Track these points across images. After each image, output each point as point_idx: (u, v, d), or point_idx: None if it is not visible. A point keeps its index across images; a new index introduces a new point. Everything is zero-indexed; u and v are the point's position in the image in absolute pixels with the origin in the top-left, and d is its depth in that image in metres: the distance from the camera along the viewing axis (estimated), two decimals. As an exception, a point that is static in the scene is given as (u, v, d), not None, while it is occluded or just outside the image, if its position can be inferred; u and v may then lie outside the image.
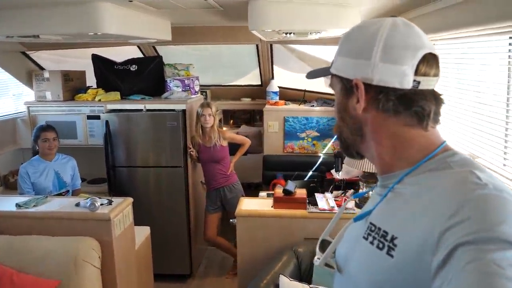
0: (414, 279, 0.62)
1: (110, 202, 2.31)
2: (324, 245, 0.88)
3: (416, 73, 0.70)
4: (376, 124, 0.75)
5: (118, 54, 3.63)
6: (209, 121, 3.21)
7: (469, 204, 0.59)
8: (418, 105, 0.71)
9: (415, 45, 0.71)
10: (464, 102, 2.12)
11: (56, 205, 2.31)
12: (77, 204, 2.27)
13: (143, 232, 2.76)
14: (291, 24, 2.14)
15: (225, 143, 3.35)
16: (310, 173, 3.85)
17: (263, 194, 3.15)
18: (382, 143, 0.76)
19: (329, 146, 3.95)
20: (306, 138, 3.97)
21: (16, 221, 2.24)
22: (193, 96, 3.57)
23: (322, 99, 4.11)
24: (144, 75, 3.59)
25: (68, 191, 3.06)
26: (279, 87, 4.24)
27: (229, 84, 4.70)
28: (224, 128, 5.53)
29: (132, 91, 3.54)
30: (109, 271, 2.22)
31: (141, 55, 3.91)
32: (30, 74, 3.50)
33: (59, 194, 2.94)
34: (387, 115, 0.73)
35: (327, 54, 3.80)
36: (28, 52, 3.45)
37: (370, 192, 0.95)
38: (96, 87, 3.61)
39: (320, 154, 3.96)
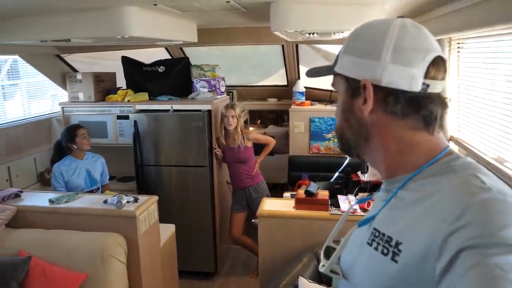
0: (419, 284, 0.62)
1: (136, 200, 2.38)
2: (329, 251, 0.88)
3: (426, 76, 0.69)
4: (382, 127, 0.74)
5: (147, 56, 3.73)
6: (232, 122, 3.24)
7: (473, 208, 0.59)
8: (427, 109, 0.71)
9: (426, 48, 0.70)
10: (494, 104, 2.05)
11: (85, 201, 2.41)
12: (105, 201, 2.36)
13: (168, 230, 2.83)
14: (314, 25, 2.13)
15: (249, 144, 3.37)
16: (336, 174, 3.81)
17: (287, 195, 3.15)
18: (388, 146, 0.75)
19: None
20: (332, 138, 3.94)
21: (49, 216, 2.35)
22: (218, 96, 3.62)
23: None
24: (171, 76, 3.68)
25: (98, 188, 3.18)
26: (305, 87, 4.23)
27: (255, 84, 4.73)
28: (251, 128, 5.58)
29: (160, 92, 3.63)
30: (135, 266, 2.29)
31: (169, 57, 3.99)
32: (64, 76, 3.66)
33: (90, 191, 3.06)
34: (394, 118, 0.72)
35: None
36: (62, 55, 3.61)
37: (374, 197, 0.93)
38: (125, 88, 3.73)
39: (347, 156, 3.91)
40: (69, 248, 2.17)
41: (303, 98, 4.20)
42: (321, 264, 0.86)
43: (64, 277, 2.05)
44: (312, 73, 0.88)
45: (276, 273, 2.15)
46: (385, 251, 0.69)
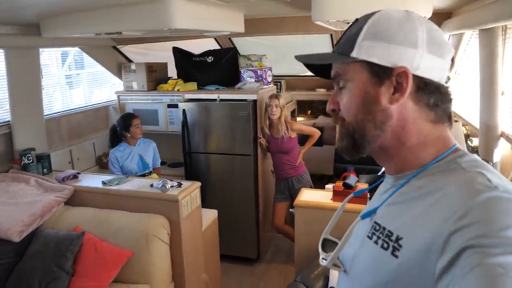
0: (418, 280, 0.61)
1: (179, 185, 2.51)
2: (325, 244, 0.88)
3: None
4: (408, 118, 0.70)
5: (197, 46, 3.84)
6: (275, 112, 3.26)
7: (477, 207, 0.58)
8: (448, 102, 0.71)
9: (448, 42, 0.72)
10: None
11: (134, 184, 2.58)
12: (151, 185, 2.51)
13: (211, 215, 2.94)
14: (355, 14, 2.08)
15: (293, 135, 3.38)
16: (384, 168, 3.70)
17: (329, 186, 3.13)
18: (406, 140, 0.71)
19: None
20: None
21: (101, 197, 2.55)
22: (265, 86, 3.66)
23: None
24: (219, 66, 3.77)
25: (150, 171, 3.38)
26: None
27: (304, 74, 4.69)
28: (300, 119, 5.56)
29: (208, 82, 3.74)
30: (177, 248, 2.42)
31: (218, 47, 4.08)
32: (120, 66, 3.89)
33: (143, 175, 3.26)
34: (421, 108, 0.70)
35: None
36: (118, 46, 3.83)
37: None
38: (176, 77, 3.88)
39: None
40: (118, 226, 2.35)
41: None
42: (320, 257, 0.86)
43: (112, 253, 2.23)
44: (313, 59, 0.79)
45: (311, 262, 2.17)
46: (385, 245, 0.68)
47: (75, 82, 4.16)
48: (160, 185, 2.43)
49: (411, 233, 0.65)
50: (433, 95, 0.69)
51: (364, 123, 0.72)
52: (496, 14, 1.76)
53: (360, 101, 0.72)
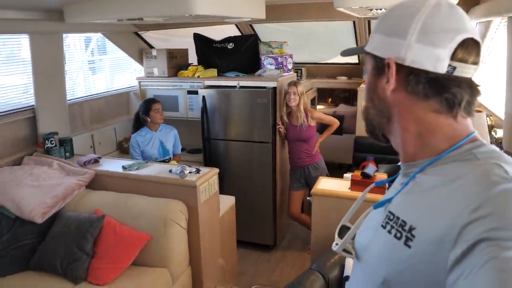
0: (430, 270, 0.61)
1: (198, 171, 2.53)
2: (343, 231, 0.89)
3: (453, 58, 0.67)
4: (404, 107, 0.73)
5: (218, 33, 3.82)
6: (293, 99, 3.23)
7: (493, 199, 0.57)
8: (450, 92, 0.68)
9: (455, 29, 0.67)
10: None
11: (153, 170, 2.62)
12: (170, 171, 2.54)
13: (228, 201, 2.97)
14: (377, 0, 2.03)
15: (313, 123, 3.35)
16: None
17: (347, 175, 3.10)
18: (408, 128, 0.74)
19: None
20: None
21: (121, 181, 2.60)
22: (285, 74, 3.62)
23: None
24: (239, 53, 3.74)
25: (170, 158, 3.42)
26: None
27: (325, 62, 4.62)
28: (320, 107, 5.50)
29: (228, 68, 3.72)
30: (194, 233, 2.46)
31: (238, 33, 4.05)
32: (141, 53, 3.92)
33: (163, 161, 3.30)
34: (416, 98, 0.71)
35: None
36: (140, 32, 3.85)
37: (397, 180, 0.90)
38: (196, 64, 3.88)
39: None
40: (137, 211, 2.39)
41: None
42: (334, 243, 0.87)
43: (131, 236, 2.28)
44: (347, 53, 0.88)
45: (327, 251, 2.16)
46: (398, 235, 0.68)
47: (97, 68, 4.22)
48: (179, 171, 2.46)
49: (425, 223, 0.64)
50: (420, 84, 0.69)
51: (370, 110, 0.79)
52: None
53: (367, 89, 0.80)
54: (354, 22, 3.74)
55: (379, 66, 0.74)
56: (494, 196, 0.57)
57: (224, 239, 2.84)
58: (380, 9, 2.31)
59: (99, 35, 3.88)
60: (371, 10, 2.42)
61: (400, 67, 0.70)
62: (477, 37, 0.68)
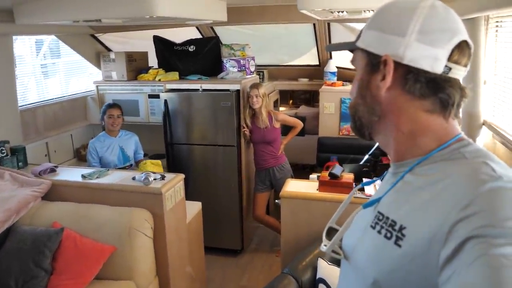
0: (421, 269, 0.61)
1: (162, 177, 2.45)
2: (331, 232, 0.88)
3: (449, 59, 0.68)
4: (398, 106, 0.73)
5: (178, 35, 3.75)
6: (256, 101, 3.23)
7: (482, 197, 0.58)
8: (445, 92, 0.69)
9: (452, 30, 0.69)
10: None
11: (115, 177, 2.51)
12: (133, 178, 2.44)
13: (195, 207, 2.90)
14: (341, 3, 2.06)
15: (277, 125, 3.36)
16: (366, 157, 3.73)
17: (313, 176, 3.12)
18: (400, 127, 0.74)
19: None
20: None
21: (81, 190, 2.47)
22: (248, 76, 3.61)
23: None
24: (201, 56, 3.69)
25: (131, 165, 3.29)
26: (337, 67, 4.12)
27: (286, 64, 4.66)
28: (282, 109, 5.54)
29: (190, 71, 3.66)
30: (161, 241, 2.37)
31: (199, 36, 4.00)
32: (99, 55, 3.76)
33: (123, 168, 3.18)
34: (411, 97, 0.71)
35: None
36: (96, 35, 3.70)
37: (378, 181, 0.90)
38: (157, 67, 3.78)
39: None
40: (99, 221, 2.27)
41: (335, 78, 4.10)
42: (322, 244, 0.86)
43: (93, 249, 2.16)
44: (333, 47, 0.88)
45: (298, 254, 2.16)
46: (388, 234, 0.68)
47: (50, 72, 4.00)
48: (143, 178, 2.36)
49: (414, 222, 0.65)
50: (418, 83, 0.69)
51: (359, 107, 0.78)
52: (480, 4, 1.77)
53: (358, 86, 0.78)
54: (314, 25, 3.79)
55: (374, 63, 0.73)
56: (483, 194, 0.58)
57: (192, 246, 2.77)
58: (342, 12, 2.34)
59: (52, 37, 3.69)
60: (333, 12, 2.45)
61: (398, 65, 0.70)
62: (469, 40, 0.71)
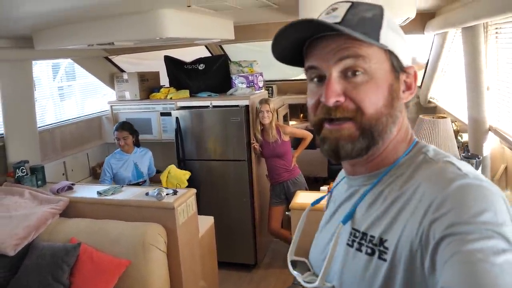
0: (411, 277, 0.60)
1: (175, 192, 2.51)
2: (296, 265, 0.83)
3: None
4: (403, 114, 0.72)
5: (188, 54, 3.87)
6: (267, 116, 3.29)
7: (451, 196, 0.58)
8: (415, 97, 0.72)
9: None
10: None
11: (129, 194, 2.58)
12: (147, 194, 2.51)
13: (207, 222, 2.95)
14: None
15: (286, 138, 3.41)
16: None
17: (324, 188, 3.15)
18: (397, 135, 0.71)
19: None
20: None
21: (97, 207, 2.55)
22: (256, 91, 3.68)
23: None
24: (210, 73, 3.79)
25: (145, 181, 3.37)
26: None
27: (295, 78, 4.73)
28: (292, 122, 5.59)
29: (200, 89, 3.76)
30: (174, 255, 2.42)
31: (208, 54, 4.11)
32: (113, 77, 3.90)
33: (137, 184, 3.26)
34: (404, 105, 0.72)
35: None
36: (110, 57, 3.84)
37: (326, 198, 0.91)
38: (168, 86, 3.90)
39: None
40: (114, 236, 2.34)
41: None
42: (300, 280, 0.79)
43: (109, 263, 2.22)
44: (321, 27, 0.64)
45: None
46: (369, 251, 0.66)
47: (67, 94, 4.15)
48: (156, 193, 2.44)
49: (394, 232, 0.63)
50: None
51: (387, 118, 0.67)
52: (477, 12, 1.82)
53: (387, 93, 0.67)
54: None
55: (398, 70, 0.69)
56: (452, 192, 0.58)
57: (205, 261, 2.81)
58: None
59: (68, 61, 3.84)
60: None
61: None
62: None
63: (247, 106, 3.41)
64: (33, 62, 3.10)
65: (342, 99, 0.65)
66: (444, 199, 0.58)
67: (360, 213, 0.71)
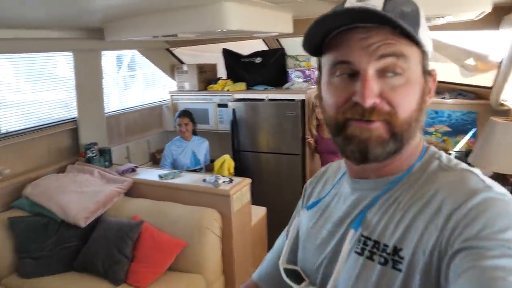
0: (429, 286, 0.57)
1: (231, 181, 2.60)
2: (288, 274, 0.76)
3: None
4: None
5: (246, 48, 3.93)
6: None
7: (475, 208, 0.55)
8: None
9: None
10: None
11: (188, 179, 2.71)
12: (204, 180, 2.62)
13: (259, 212, 3.02)
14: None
15: (342, 134, 3.37)
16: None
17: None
18: (416, 139, 0.68)
19: (463, 143, 3.61)
20: (434, 133, 3.70)
21: (158, 189, 2.70)
22: (313, 86, 3.68)
23: (457, 90, 3.76)
24: (267, 67, 3.84)
25: (201, 168, 3.51)
26: (405, 77, 4.04)
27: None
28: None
29: (257, 82, 3.82)
30: (228, 241, 2.51)
31: (265, 48, 4.16)
32: (173, 68, 4.08)
33: (194, 170, 3.40)
34: None
35: (461, 41, 3.47)
36: (171, 49, 4.02)
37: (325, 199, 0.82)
38: (225, 78, 4.01)
39: (451, 152, 3.65)
40: (173, 218, 2.48)
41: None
42: None
43: (168, 242, 2.36)
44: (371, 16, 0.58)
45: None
46: (382, 260, 0.61)
47: (127, 83, 4.40)
48: (213, 180, 2.54)
49: (409, 241, 0.59)
50: None
51: (416, 123, 0.63)
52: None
53: (418, 97, 0.63)
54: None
55: (426, 70, 0.65)
56: (475, 205, 0.55)
57: (256, 249, 2.88)
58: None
59: (131, 53, 4.07)
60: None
61: None
62: None
63: (303, 101, 3.42)
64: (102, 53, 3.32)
65: (378, 100, 0.60)
66: (467, 211, 0.55)
67: (370, 219, 0.66)
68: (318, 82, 0.71)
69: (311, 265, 0.75)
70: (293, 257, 0.82)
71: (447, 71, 3.60)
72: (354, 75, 0.61)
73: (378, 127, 0.60)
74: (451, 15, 2.25)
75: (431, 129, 3.68)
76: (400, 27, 0.57)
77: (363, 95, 0.59)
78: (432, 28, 3.31)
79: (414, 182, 0.64)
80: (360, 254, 0.64)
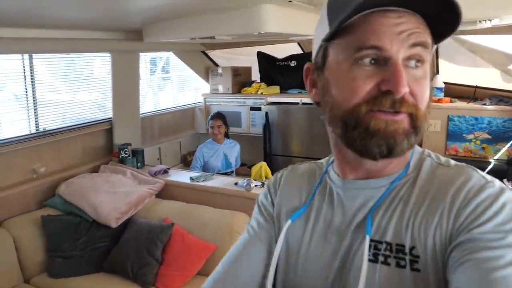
0: (441, 283, 0.56)
1: (263, 185, 2.56)
2: None
3: None
4: None
5: (280, 51, 3.90)
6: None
7: (482, 203, 0.55)
8: None
9: None
10: None
11: (219, 182, 2.69)
12: (236, 183, 2.60)
13: (290, 217, 2.95)
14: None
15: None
16: (493, 162, 3.44)
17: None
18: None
19: (503, 151, 3.43)
20: (474, 140, 3.54)
21: (189, 191, 2.70)
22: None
23: (498, 96, 3.59)
24: (302, 70, 3.77)
25: (232, 171, 3.49)
26: (445, 83, 3.88)
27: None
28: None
29: (291, 85, 3.77)
30: (257, 246, 2.46)
31: (300, 52, 4.10)
32: (207, 70, 4.09)
33: (225, 173, 3.39)
34: None
35: (505, 45, 3.30)
36: (206, 51, 4.03)
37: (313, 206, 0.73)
38: (259, 81, 3.98)
39: (490, 160, 3.48)
40: (203, 221, 2.45)
41: (442, 94, 3.86)
42: None
43: (198, 245, 2.34)
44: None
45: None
46: (402, 262, 0.57)
47: (161, 85, 4.46)
48: (245, 184, 2.50)
49: (423, 239, 0.57)
50: None
51: (426, 119, 0.60)
52: None
53: (429, 90, 0.61)
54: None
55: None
56: (484, 200, 0.55)
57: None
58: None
59: (165, 56, 4.11)
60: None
61: None
62: None
63: (337, 105, 3.34)
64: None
65: (408, 90, 0.56)
66: (475, 207, 0.55)
67: (379, 221, 0.62)
68: (318, 71, 0.67)
69: (318, 282, 0.66)
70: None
71: (488, 77, 3.47)
72: (379, 62, 0.56)
73: (403, 119, 0.57)
74: (499, 17, 2.14)
75: (470, 136, 3.52)
76: (459, 16, 0.53)
77: (397, 83, 0.54)
78: (477, 32, 3.17)
79: (415, 179, 0.63)
80: (375, 261, 0.59)
